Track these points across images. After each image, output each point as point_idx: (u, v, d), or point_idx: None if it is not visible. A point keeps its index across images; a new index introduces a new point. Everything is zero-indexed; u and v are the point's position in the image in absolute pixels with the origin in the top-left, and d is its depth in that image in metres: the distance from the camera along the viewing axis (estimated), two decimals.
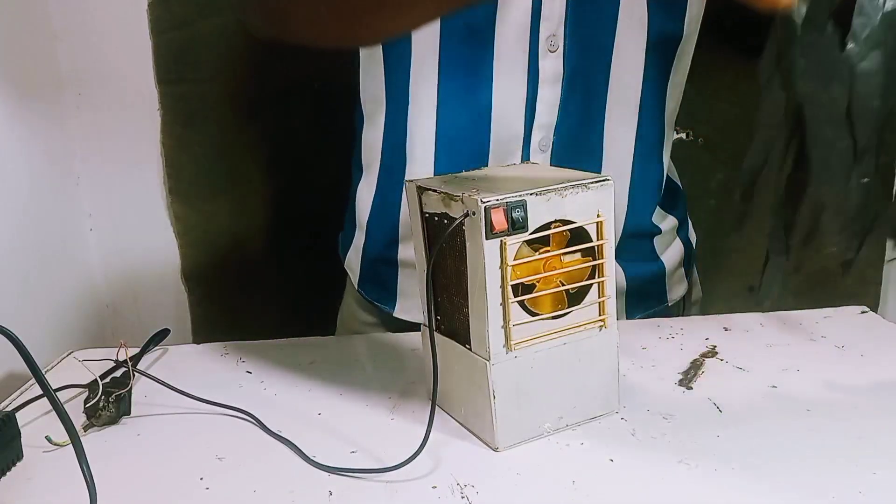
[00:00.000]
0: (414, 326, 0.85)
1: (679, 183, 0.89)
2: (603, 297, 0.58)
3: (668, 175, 0.86)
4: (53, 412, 0.50)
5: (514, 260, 0.53)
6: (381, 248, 0.85)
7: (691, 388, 0.65)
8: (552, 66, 0.72)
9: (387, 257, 0.85)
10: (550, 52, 0.71)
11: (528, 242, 0.54)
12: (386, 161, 0.81)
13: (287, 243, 1.13)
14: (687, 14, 0.74)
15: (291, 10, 0.60)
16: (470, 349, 0.57)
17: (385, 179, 0.82)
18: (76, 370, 0.69)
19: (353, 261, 0.90)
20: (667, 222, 0.86)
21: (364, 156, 0.85)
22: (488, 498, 0.52)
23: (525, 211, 0.53)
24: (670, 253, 0.86)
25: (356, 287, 0.90)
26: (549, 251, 0.55)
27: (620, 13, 0.71)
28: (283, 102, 1.06)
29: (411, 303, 0.86)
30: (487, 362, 0.55)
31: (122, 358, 0.70)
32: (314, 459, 0.56)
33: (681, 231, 0.89)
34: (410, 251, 0.83)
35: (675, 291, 0.87)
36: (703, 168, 1.01)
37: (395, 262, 0.84)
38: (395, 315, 0.88)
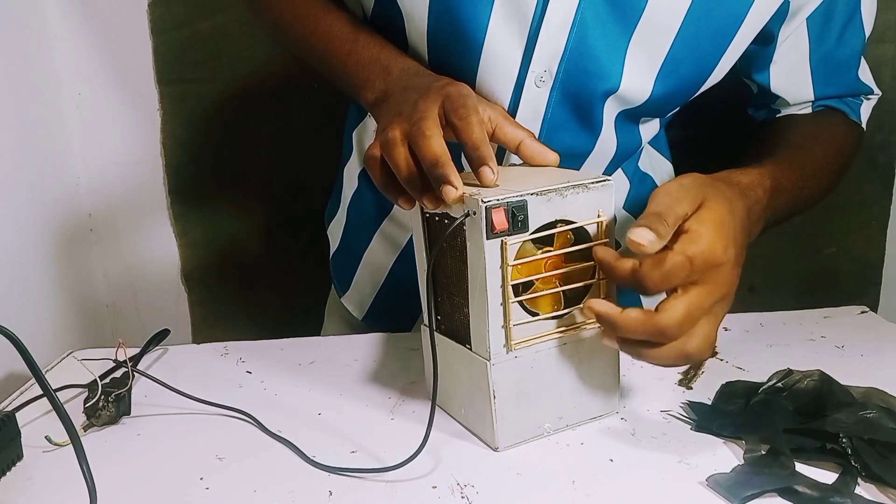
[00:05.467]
0: (360, 326, 0.88)
1: None
2: (603, 297, 0.58)
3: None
4: (53, 412, 0.50)
5: (515, 260, 0.53)
6: (354, 240, 0.87)
7: (691, 388, 0.65)
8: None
9: (356, 250, 0.86)
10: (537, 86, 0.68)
11: (529, 242, 0.54)
12: None
13: (286, 243, 1.13)
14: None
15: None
16: (470, 349, 0.57)
17: (367, 178, 0.82)
18: (76, 370, 0.69)
19: (333, 232, 0.92)
20: None
21: (356, 143, 0.85)
22: (488, 498, 0.52)
23: (526, 211, 0.53)
24: None
25: (330, 257, 0.93)
26: (549, 251, 0.55)
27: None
28: (283, 102, 1.06)
29: (358, 297, 0.88)
30: (487, 362, 0.55)
31: (121, 358, 0.70)
32: (314, 459, 0.56)
33: None
34: (378, 251, 0.84)
35: None
36: (701, 167, 1.01)
37: (360, 256, 0.86)
38: (340, 300, 0.91)
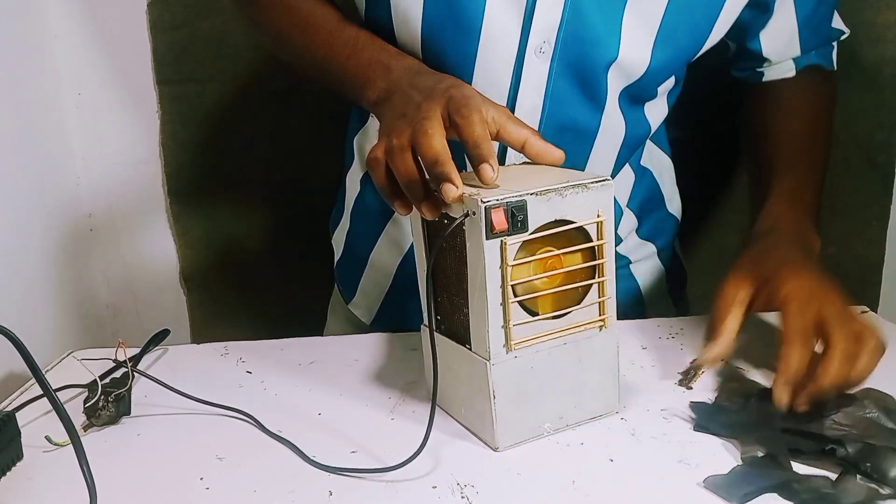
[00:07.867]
0: (363, 325, 0.89)
1: (672, 212, 0.89)
2: (603, 297, 0.58)
3: (659, 202, 0.86)
4: (53, 412, 0.50)
5: (514, 260, 0.53)
6: (359, 243, 0.87)
7: (691, 388, 0.65)
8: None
9: (360, 253, 0.86)
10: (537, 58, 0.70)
11: (529, 242, 0.54)
12: None
13: (286, 243, 1.13)
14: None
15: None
16: (470, 349, 0.57)
17: (370, 180, 0.82)
18: (76, 370, 0.69)
19: (338, 239, 0.92)
20: (642, 250, 0.86)
21: (357, 150, 0.85)
22: (488, 498, 0.52)
23: (525, 211, 0.53)
24: (645, 268, 0.86)
25: (335, 265, 0.93)
26: (549, 251, 0.55)
27: None
28: (283, 102, 1.06)
29: (365, 302, 0.88)
30: (487, 362, 0.55)
31: (121, 358, 0.70)
32: (314, 459, 0.56)
33: (662, 256, 0.88)
34: (383, 253, 0.84)
35: (654, 313, 0.85)
36: (702, 166, 1.01)
37: (366, 260, 0.86)
38: (348, 306, 0.90)
